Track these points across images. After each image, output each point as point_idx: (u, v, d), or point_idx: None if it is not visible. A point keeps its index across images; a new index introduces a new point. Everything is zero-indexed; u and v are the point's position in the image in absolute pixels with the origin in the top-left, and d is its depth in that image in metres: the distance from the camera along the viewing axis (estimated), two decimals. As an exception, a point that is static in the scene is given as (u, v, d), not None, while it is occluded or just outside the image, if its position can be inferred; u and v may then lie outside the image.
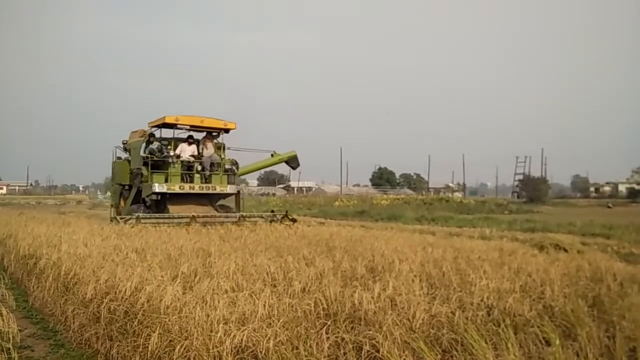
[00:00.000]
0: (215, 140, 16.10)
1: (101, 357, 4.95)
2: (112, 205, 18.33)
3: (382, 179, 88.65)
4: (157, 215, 13.61)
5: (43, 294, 6.80)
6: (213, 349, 3.77)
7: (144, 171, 14.61)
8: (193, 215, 12.93)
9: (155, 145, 14.92)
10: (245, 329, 3.82)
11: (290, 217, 14.98)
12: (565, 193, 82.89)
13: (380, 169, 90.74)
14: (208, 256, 6.71)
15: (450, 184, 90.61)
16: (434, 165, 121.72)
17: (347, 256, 6.66)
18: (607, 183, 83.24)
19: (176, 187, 14.34)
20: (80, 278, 5.91)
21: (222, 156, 15.94)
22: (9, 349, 4.39)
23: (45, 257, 7.30)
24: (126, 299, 4.85)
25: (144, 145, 14.76)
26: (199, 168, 15.12)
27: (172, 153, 15.01)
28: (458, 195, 67.61)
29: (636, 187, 68.60)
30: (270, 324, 3.99)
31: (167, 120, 14.49)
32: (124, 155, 17.64)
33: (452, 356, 4.11)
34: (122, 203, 17.07)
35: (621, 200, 61.33)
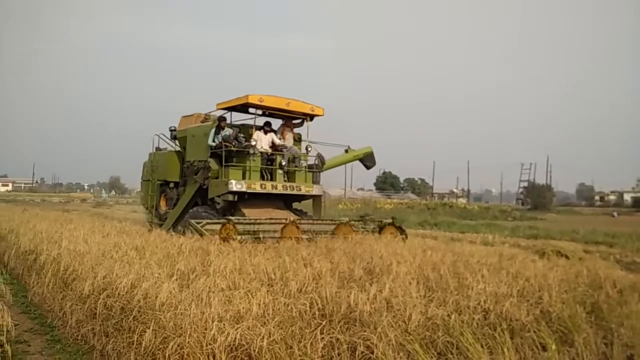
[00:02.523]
0: (295, 130, 13.29)
1: (97, 353, 4.96)
2: (147, 208, 15.09)
3: (387, 183, 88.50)
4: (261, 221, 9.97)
5: (42, 289, 6.82)
6: (206, 346, 3.76)
7: (213, 164, 11.78)
8: (293, 221, 9.72)
9: (228, 132, 11.94)
10: (239, 327, 3.82)
11: (398, 226, 11.05)
12: (570, 201, 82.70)
13: (384, 173, 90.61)
14: (207, 255, 6.71)
15: (455, 190, 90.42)
16: (438, 170, 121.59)
17: (346, 258, 6.65)
18: (613, 192, 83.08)
19: (257, 186, 11.43)
20: (79, 274, 5.93)
21: (309, 148, 12.77)
22: (3, 342, 4.40)
23: (46, 253, 7.34)
24: (123, 295, 4.86)
25: (212, 131, 11.96)
26: (283, 163, 12.21)
27: (252, 142, 11.84)
28: (462, 201, 67.49)
29: (641, 196, 68.37)
30: (264, 322, 3.99)
31: (251, 100, 11.45)
32: (167, 146, 14.76)
33: (447, 359, 4.09)
34: (162, 204, 14.28)
35: (626, 209, 61.16)
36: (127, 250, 7.01)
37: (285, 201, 12.65)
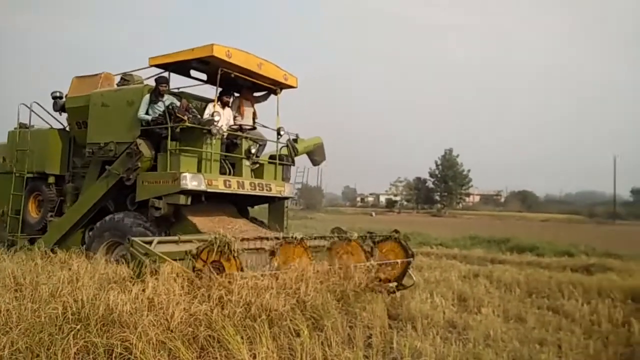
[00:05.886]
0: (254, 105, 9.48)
1: None
2: (2, 215, 9.92)
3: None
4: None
5: None
6: None
7: (145, 149, 7.82)
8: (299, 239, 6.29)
9: (172, 100, 8.04)
10: (-27, 339, 3.41)
11: (404, 243, 7.60)
12: (336, 202, 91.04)
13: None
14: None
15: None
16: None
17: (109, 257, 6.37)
18: (371, 194, 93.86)
19: (220, 183, 7.85)
20: None
21: (282, 131, 9.30)
22: None
23: None
24: None
25: (146, 99, 7.94)
26: (252, 150, 8.74)
27: (217, 117, 7.89)
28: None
29: (393, 197, 79.14)
30: (6, 331, 3.63)
31: (217, 54, 7.70)
32: (39, 121, 9.98)
33: (208, 353, 4.22)
34: (31, 209, 9.73)
35: (381, 209, 69.99)
36: None
37: (238, 205, 9.15)
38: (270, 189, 8.76)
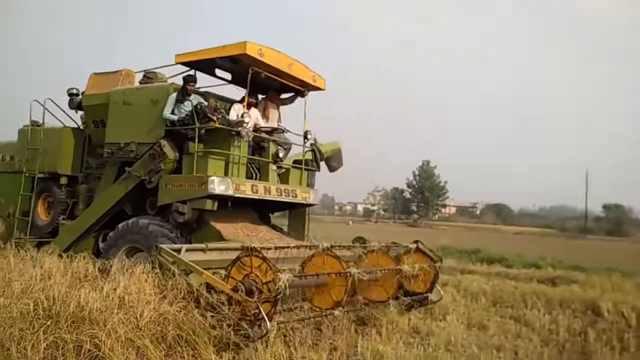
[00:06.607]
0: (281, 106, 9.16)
1: None
2: (5, 217, 9.62)
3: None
4: None
5: None
6: None
7: (169, 150, 7.45)
8: (327, 248, 5.79)
9: (199, 100, 7.66)
10: (-57, 332, 3.49)
11: (428, 252, 7.27)
12: (314, 209, 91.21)
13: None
14: None
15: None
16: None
17: (82, 256, 6.45)
18: (349, 203, 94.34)
19: (247, 188, 7.45)
20: None
21: (309, 134, 8.84)
22: None
23: None
24: None
25: (173, 98, 7.52)
26: (280, 154, 8.43)
27: (247, 118, 7.59)
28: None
29: (370, 207, 79.70)
30: (-23, 326, 3.71)
31: (249, 52, 7.30)
32: (51, 119, 9.47)
33: (176, 352, 4.35)
34: (40, 211, 9.22)
35: (359, 218, 70.41)
36: None
37: (259, 211, 8.60)
38: (296, 195, 8.34)
